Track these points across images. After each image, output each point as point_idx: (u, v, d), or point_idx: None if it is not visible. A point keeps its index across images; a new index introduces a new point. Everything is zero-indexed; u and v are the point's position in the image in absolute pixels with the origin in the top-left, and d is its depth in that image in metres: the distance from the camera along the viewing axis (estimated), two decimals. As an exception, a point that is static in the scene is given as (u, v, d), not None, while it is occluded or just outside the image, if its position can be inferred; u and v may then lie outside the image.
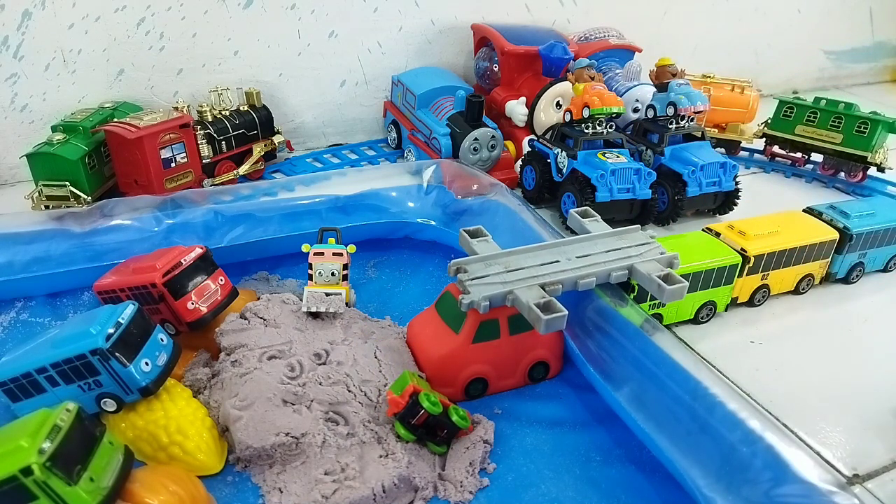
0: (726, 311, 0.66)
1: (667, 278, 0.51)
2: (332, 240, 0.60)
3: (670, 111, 0.82)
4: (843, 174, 0.96)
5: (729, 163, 0.80)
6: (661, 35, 1.18)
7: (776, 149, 1.02)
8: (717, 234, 0.66)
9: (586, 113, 0.77)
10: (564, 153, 0.78)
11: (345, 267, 0.59)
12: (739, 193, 0.82)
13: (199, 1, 0.87)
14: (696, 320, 0.64)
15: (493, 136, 0.85)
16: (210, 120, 0.83)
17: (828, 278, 0.71)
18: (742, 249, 0.64)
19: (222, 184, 0.83)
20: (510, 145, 0.92)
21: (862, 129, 0.91)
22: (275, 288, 0.66)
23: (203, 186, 0.81)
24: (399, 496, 0.45)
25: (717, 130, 1.03)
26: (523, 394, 0.55)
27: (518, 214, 0.68)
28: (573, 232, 0.62)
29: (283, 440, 0.46)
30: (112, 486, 0.39)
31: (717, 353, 0.61)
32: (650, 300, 0.61)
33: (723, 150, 1.00)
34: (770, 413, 0.54)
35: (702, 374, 0.47)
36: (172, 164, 0.77)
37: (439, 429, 0.47)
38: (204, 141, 0.82)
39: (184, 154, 0.78)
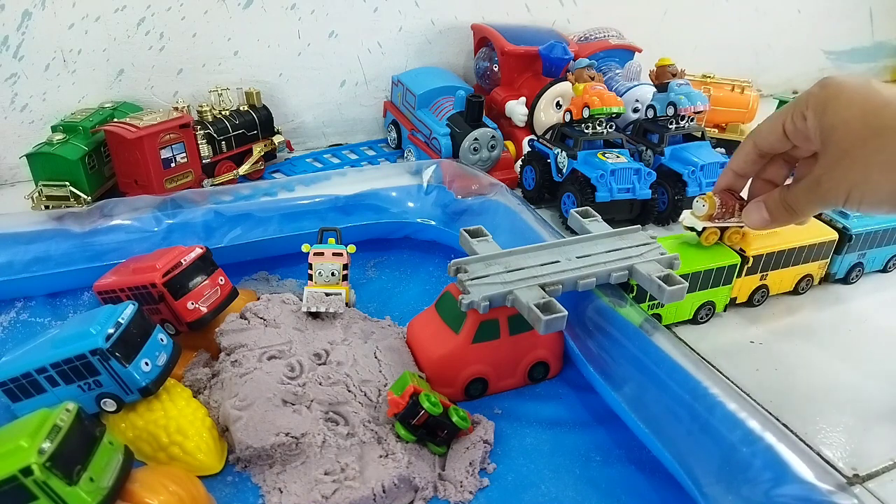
0: (725, 311, 0.66)
1: (667, 279, 0.51)
2: (332, 240, 0.60)
3: (670, 111, 0.82)
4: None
5: (729, 163, 0.80)
6: (661, 35, 1.18)
7: (776, 149, 1.01)
8: (717, 235, 0.66)
9: (586, 113, 0.78)
10: (564, 153, 0.78)
11: (345, 267, 0.59)
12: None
13: (199, 1, 0.87)
14: (694, 320, 0.64)
15: (493, 136, 0.85)
16: (210, 120, 0.83)
17: (827, 279, 0.71)
18: (741, 249, 0.64)
19: (222, 184, 0.83)
20: (510, 145, 0.92)
21: (862, 129, 0.91)
22: (275, 288, 0.66)
23: (203, 186, 0.81)
24: (399, 496, 0.45)
25: (717, 130, 1.03)
26: (523, 394, 0.55)
27: (518, 214, 0.68)
28: (573, 232, 0.62)
29: (283, 440, 0.46)
30: (112, 486, 0.39)
31: (716, 353, 0.61)
32: (649, 300, 0.61)
33: (723, 150, 0.99)
34: (770, 413, 0.54)
35: (702, 374, 0.47)
36: (172, 164, 0.77)
37: (439, 429, 0.47)
38: (204, 141, 0.82)
39: (184, 154, 0.78)
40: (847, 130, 0.44)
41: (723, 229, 0.60)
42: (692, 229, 0.60)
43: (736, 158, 0.54)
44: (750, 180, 0.55)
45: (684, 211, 0.60)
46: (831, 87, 0.46)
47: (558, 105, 0.90)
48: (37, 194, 0.75)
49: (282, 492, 0.44)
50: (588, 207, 0.62)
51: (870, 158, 0.43)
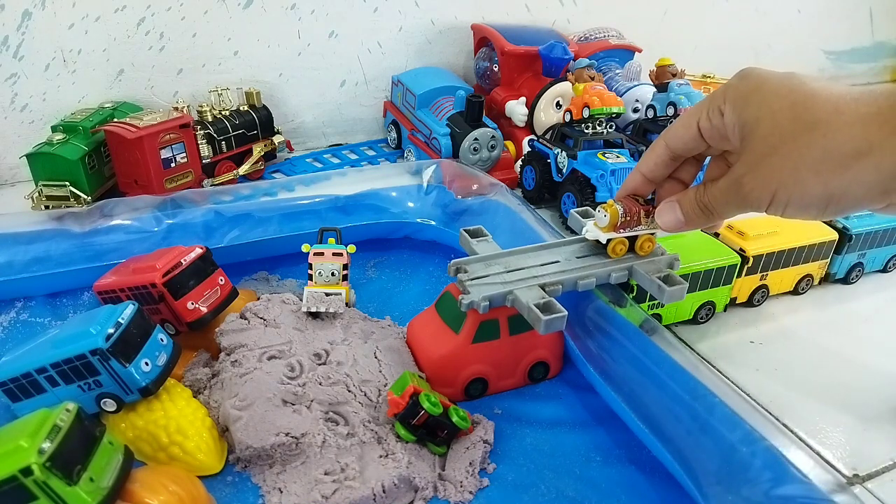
0: (725, 311, 0.66)
1: (667, 279, 0.51)
2: (332, 240, 0.60)
3: (670, 111, 0.82)
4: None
5: (729, 163, 0.80)
6: (661, 35, 1.18)
7: (776, 149, 1.01)
8: (716, 234, 0.66)
9: (586, 113, 0.78)
10: (564, 153, 0.78)
11: (345, 267, 0.59)
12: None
13: (199, 1, 0.87)
14: (694, 320, 0.64)
15: (493, 136, 0.85)
16: (210, 120, 0.83)
17: (827, 279, 0.71)
18: (741, 249, 0.64)
19: (222, 184, 0.83)
20: (510, 145, 0.92)
21: (862, 129, 0.91)
22: (275, 288, 0.66)
23: (203, 186, 0.81)
24: (399, 496, 0.45)
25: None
26: (523, 394, 0.55)
27: (518, 214, 0.68)
28: (573, 232, 0.62)
29: (282, 440, 0.46)
30: (112, 486, 0.39)
31: (716, 353, 0.61)
32: (649, 300, 0.61)
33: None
34: (770, 413, 0.54)
35: (702, 374, 0.47)
36: (172, 164, 0.77)
37: (439, 429, 0.47)
38: (204, 141, 0.82)
39: (184, 154, 0.78)
40: (774, 124, 0.39)
41: (632, 238, 0.53)
42: (597, 242, 0.54)
43: (646, 160, 0.48)
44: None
45: (588, 222, 0.54)
46: (753, 79, 0.41)
47: (558, 105, 0.90)
48: (37, 194, 0.75)
49: (282, 492, 0.44)
50: (588, 207, 0.62)
51: (800, 155, 0.38)
